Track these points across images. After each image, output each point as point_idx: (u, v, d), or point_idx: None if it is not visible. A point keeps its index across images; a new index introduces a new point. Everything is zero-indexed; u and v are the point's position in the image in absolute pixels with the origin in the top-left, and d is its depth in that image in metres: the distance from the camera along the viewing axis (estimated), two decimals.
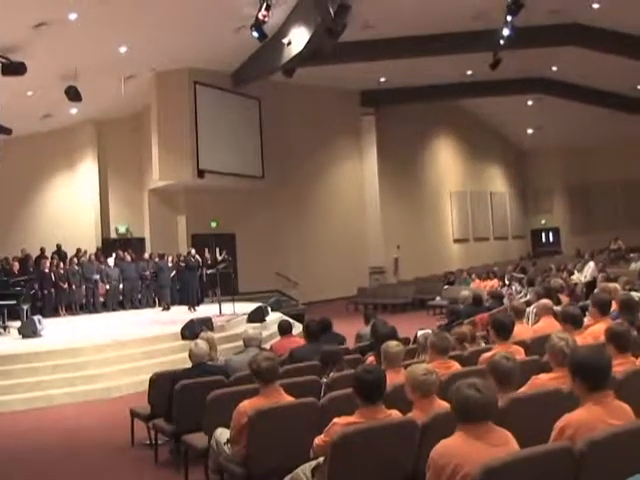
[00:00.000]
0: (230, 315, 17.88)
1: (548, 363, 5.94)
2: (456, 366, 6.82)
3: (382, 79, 29.97)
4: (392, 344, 6.53)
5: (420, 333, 8.94)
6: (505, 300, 15.87)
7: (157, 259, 22.77)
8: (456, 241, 37.94)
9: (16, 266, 19.89)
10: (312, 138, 29.82)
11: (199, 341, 8.15)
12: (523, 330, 8.88)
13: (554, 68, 29.77)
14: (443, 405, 5.10)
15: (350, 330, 11.57)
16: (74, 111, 23.62)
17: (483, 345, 8.76)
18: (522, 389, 5.45)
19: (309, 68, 24.53)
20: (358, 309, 25.63)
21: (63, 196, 26.78)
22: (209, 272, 21.17)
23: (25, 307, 17.14)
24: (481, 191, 40.11)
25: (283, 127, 28.60)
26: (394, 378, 5.92)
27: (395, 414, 5.10)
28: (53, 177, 26.93)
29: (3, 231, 25.13)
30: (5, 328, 16.43)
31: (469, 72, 29.14)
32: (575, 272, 22.05)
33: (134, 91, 23.66)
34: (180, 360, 11.55)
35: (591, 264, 21.39)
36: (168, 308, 21.23)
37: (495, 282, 23.94)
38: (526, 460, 3.78)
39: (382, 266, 32.21)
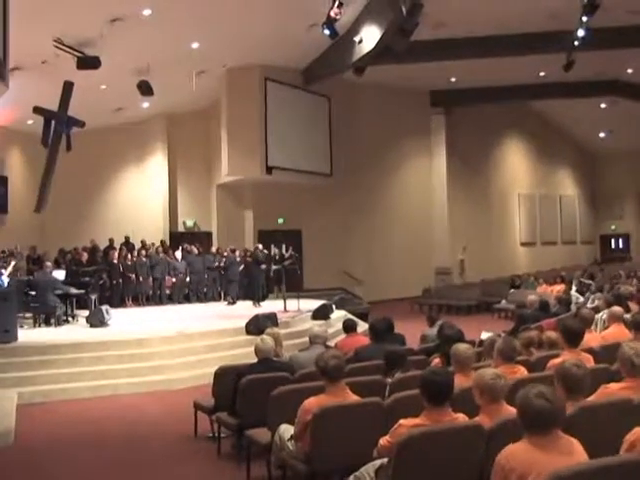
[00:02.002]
0: (295, 312, 17.92)
1: (618, 372, 5.82)
2: (522, 371, 6.73)
3: (453, 79, 29.72)
4: (463, 347, 6.45)
5: (485, 336, 8.86)
6: (572, 306, 15.63)
7: (226, 253, 22.84)
8: (523, 244, 37.52)
9: (85, 256, 20.17)
10: (381, 137, 29.73)
11: (265, 337, 8.15)
12: (591, 338, 8.73)
13: (629, 70, 29.18)
14: (511, 411, 5.03)
15: (414, 331, 11.52)
16: (145, 105, 23.92)
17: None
18: (591, 398, 5.35)
19: (379, 67, 24.39)
20: (423, 310, 25.47)
21: (133, 189, 27.18)
22: (275, 268, 21.22)
23: (93, 297, 17.44)
24: (550, 194, 39.60)
25: (352, 125, 28.56)
26: (463, 381, 5.86)
27: (462, 418, 5.06)
28: (124, 170, 27.36)
29: (73, 221, 25.61)
30: (74, 317, 16.70)
31: (542, 73, 28.72)
32: None
33: (205, 86, 23.83)
34: (243, 355, 11.62)
35: None
36: (234, 302, 21.33)
37: (562, 287, 23.58)
38: (597, 471, 3.68)
39: (448, 267, 31.98)
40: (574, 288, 22.22)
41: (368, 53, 21.92)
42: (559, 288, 23.07)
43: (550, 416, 3.87)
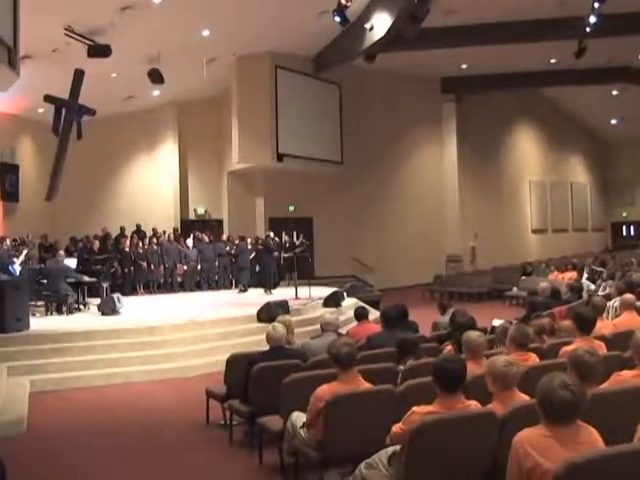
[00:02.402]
0: (306, 299, 17.95)
1: (631, 359, 5.82)
2: (534, 358, 6.73)
3: (464, 66, 29.62)
4: (475, 335, 6.45)
5: (497, 323, 8.84)
6: (584, 294, 15.59)
7: (237, 241, 22.86)
8: (534, 231, 37.44)
9: (97, 244, 20.23)
10: (392, 124, 29.69)
11: (277, 324, 8.15)
12: (603, 325, 8.72)
13: None
14: (523, 398, 5.04)
15: (426, 318, 11.51)
16: (156, 93, 23.90)
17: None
18: (604, 385, 5.35)
19: (390, 54, 24.34)
20: (434, 297, 25.47)
21: (144, 176, 27.20)
22: (286, 256, 21.24)
23: (105, 285, 17.46)
24: (561, 181, 39.49)
25: (363, 113, 28.52)
26: (475, 369, 5.86)
27: (475, 405, 5.05)
28: (134, 158, 27.38)
29: (84, 209, 25.65)
30: (85, 305, 16.76)
31: (553, 60, 28.57)
32: None
33: (216, 74, 23.83)
34: (255, 342, 11.65)
35: None
36: (245, 290, 21.38)
37: (574, 274, 23.52)
38: (611, 458, 3.68)
39: (459, 254, 31.95)
40: (585, 275, 22.19)
41: (379, 40, 21.91)
42: (570, 275, 23.03)
43: (573, 407, 3.84)
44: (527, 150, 37.47)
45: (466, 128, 32.46)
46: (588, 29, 21.66)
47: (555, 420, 3.86)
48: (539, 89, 35.05)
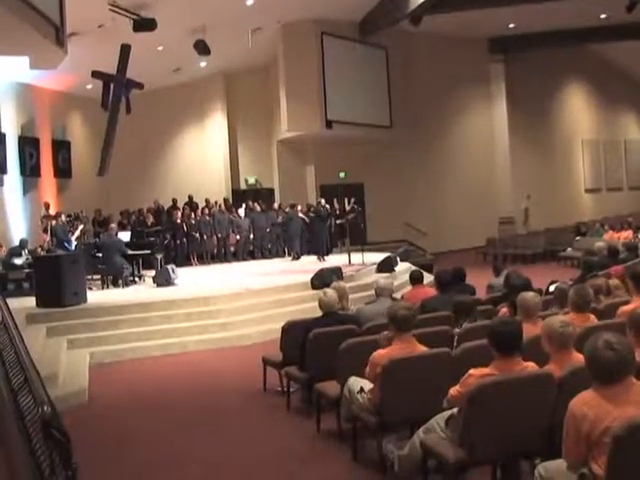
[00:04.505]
0: (359, 265, 17.94)
1: None
2: (593, 319, 6.65)
3: (511, 25, 29.14)
4: (529, 295, 6.41)
5: (554, 286, 8.75)
6: None
7: (288, 209, 22.89)
8: (588, 191, 36.85)
9: (150, 217, 20.43)
10: (440, 87, 29.38)
11: (328, 290, 8.16)
12: None
13: None
14: (580, 358, 4.97)
15: (480, 280, 11.42)
16: (203, 64, 23.94)
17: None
18: None
19: (436, 16, 24.06)
20: (487, 260, 25.35)
21: (194, 148, 27.33)
22: (338, 222, 21.23)
23: (159, 257, 17.62)
24: (614, 139, 38.71)
25: (410, 76, 28.28)
26: (531, 330, 5.80)
27: (532, 366, 5.01)
28: (184, 130, 27.49)
29: (137, 183, 25.87)
30: (140, 277, 16.95)
31: (603, 15, 28.00)
32: None
33: (262, 43, 23.75)
34: (310, 309, 11.64)
35: None
36: (298, 258, 21.41)
37: (630, 233, 23.20)
38: None
39: (512, 216, 31.64)
40: None
41: (424, 2, 21.65)
42: (626, 235, 22.73)
43: (618, 366, 3.80)
44: (578, 109, 36.79)
45: (515, 88, 31.95)
46: None
47: (604, 381, 3.82)
48: (589, 46, 34.32)
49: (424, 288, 10.02)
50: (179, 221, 21.23)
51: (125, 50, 18.74)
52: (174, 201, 23.35)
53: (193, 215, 21.85)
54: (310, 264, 18.96)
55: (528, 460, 5.18)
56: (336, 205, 23.31)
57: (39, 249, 17.23)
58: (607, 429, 3.66)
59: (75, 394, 9.06)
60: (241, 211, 23.18)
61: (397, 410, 5.80)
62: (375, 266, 17.96)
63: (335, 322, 7.69)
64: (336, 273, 14.94)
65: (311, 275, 14.96)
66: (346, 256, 18.88)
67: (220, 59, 23.41)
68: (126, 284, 15.94)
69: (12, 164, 20.62)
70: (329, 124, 24.95)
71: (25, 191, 21.38)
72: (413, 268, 16.23)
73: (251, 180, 27.73)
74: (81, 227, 17.79)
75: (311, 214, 22.25)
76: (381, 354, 5.83)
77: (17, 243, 17.07)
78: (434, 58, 28.96)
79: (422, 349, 5.97)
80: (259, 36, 23.12)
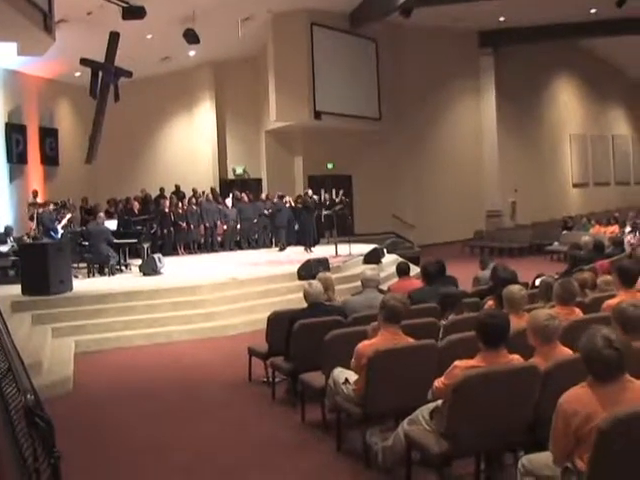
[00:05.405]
0: (346, 256, 17.95)
1: None
2: (578, 312, 6.68)
3: (501, 18, 29.14)
4: (516, 288, 6.46)
5: (539, 280, 8.79)
6: (626, 247, 15.44)
7: (276, 199, 22.86)
8: (575, 185, 36.99)
9: (137, 206, 20.38)
10: (429, 79, 29.36)
11: (313, 281, 8.19)
12: None
13: None
14: (565, 352, 5.02)
15: (466, 273, 11.47)
16: (192, 53, 23.86)
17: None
18: None
19: (426, 8, 24.07)
20: (474, 252, 25.41)
21: (182, 137, 27.29)
22: (325, 213, 21.22)
23: (145, 246, 17.58)
24: (602, 134, 38.89)
25: (400, 68, 28.27)
26: (516, 323, 5.81)
27: (517, 359, 5.04)
28: (172, 118, 27.44)
29: (125, 171, 25.85)
30: (127, 266, 16.91)
31: (593, 10, 28.00)
32: None
33: (251, 33, 23.67)
34: (296, 300, 11.63)
35: None
36: (284, 248, 21.39)
37: (616, 228, 23.28)
38: None
39: (499, 209, 31.73)
40: (628, 229, 21.96)
41: None
42: (612, 229, 22.82)
43: (618, 364, 3.81)
44: (567, 103, 36.90)
45: (504, 82, 31.98)
46: None
47: (601, 379, 3.83)
48: (578, 40, 34.35)
49: (411, 280, 10.06)
50: (166, 210, 21.13)
51: (114, 38, 18.67)
52: (161, 190, 23.29)
53: (180, 204, 21.77)
54: (297, 255, 18.94)
55: (512, 452, 5.22)
56: (324, 196, 23.27)
57: (25, 237, 17.15)
58: (596, 427, 3.65)
59: (60, 382, 9.03)
60: (228, 201, 23.12)
61: (382, 401, 5.81)
62: (362, 257, 17.96)
63: (321, 313, 7.69)
64: (323, 264, 14.93)
65: (298, 266, 14.96)
66: (333, 247, 18.87)
67: (209, 48, 23.35)
68: (112, 273, 15.87)
69: None
70: (318, 115, 24.92)
71: (12, 178, 21.31)
72: (400, 260, 16.26)
73: (239, 170, 27.67)
74: (69, 216, 17.71)
75: (299, 205, 22.21)
76: (366, 345, 5.85)
77: (2, 230, 16.98)
78: (424, 51, 28.91)
79: (408, 340, 5.99)
80: (249, 26, 23.05)
